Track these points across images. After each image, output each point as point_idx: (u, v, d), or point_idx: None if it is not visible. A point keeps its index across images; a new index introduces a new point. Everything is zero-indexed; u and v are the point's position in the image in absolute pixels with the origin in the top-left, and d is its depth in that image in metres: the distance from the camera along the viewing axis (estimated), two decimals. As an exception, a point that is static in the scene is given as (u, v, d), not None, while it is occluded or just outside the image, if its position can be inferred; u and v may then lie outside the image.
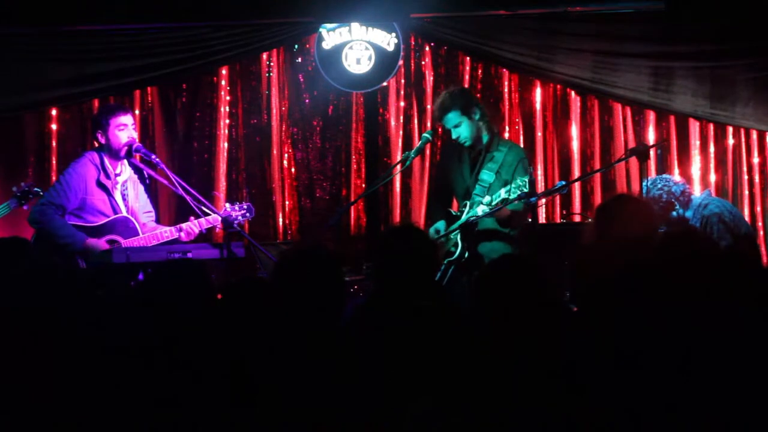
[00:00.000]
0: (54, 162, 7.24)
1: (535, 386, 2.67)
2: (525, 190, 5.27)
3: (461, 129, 5.78)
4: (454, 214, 5.88)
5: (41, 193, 6.25)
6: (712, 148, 7.26)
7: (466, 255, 5.66)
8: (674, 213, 5.78)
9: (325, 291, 3.25)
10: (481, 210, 5.53)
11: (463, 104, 5.76)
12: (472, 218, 5.57)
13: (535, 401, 2.63)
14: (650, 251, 3.46)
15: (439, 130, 7.46)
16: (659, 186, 5.80)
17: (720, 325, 2.81)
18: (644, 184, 5.77)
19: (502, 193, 5.39)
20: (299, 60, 7.47)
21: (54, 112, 7.26)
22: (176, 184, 5.68)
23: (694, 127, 7.27)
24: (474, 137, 5.80)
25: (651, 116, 7.33)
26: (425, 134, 6.16)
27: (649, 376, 2.66)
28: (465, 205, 5.79)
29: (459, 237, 5.70)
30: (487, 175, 5.75)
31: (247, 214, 5.89)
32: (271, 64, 7.45)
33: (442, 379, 2.83)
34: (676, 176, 6.14)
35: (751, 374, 2.69)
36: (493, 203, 5.45)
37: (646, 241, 3.74)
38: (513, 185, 5.33)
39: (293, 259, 3.35)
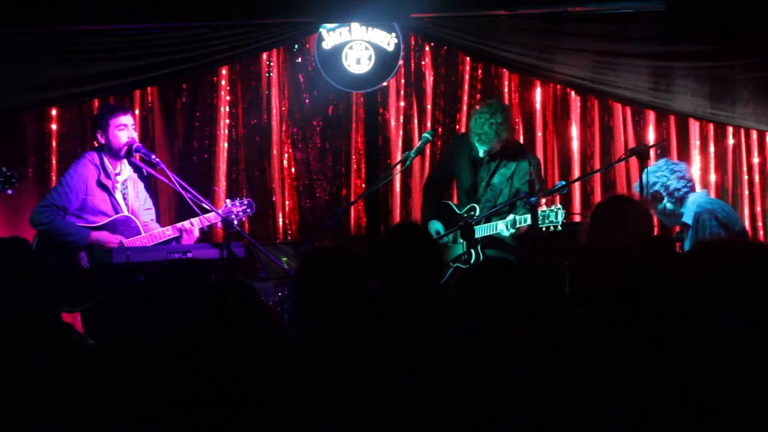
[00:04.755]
0: (54, 162, 7.23)
1: (519, 387, 2.65)
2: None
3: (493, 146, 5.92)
4: (457, 212, 5.90)
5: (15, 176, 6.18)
6: (712, 148, 7.26)
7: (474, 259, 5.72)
8: (661, 205, 5.65)
9: (350, 292, 3.18)
10: (504, 227, 5.66)
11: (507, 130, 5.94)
12: (493, 233, 5.69)
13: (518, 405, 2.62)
14: (646, 254, 3.45)
15: (440, 130, 7.47)
16: (657, 175, 5.59)
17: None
18: (652, 165, 5.66)
19: (527, 219, 5.52)
20: (299, 60, 7.47)
21: (54, 112, 7.26)
22: (176, 183, 5.68)
23: (694, 127, 7.27)
24: (496, 149, 5.93)
25: (651, 116, 7.33)
26: (425, 134, 6.17)
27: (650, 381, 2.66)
28: (473, 209, 5.84)
29: (469, 242, 5.73)
30: (498, 181, 5.80)
31: (248, 210, 5.92)
32: (271, 64, 7.45)
33: (440, 382, 2.83)
34: (684, 171, 5.80)
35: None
36: (517, 225, 5.60)
37: (641, 243, 3.72)
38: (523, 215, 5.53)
39: (319, 260, 3.28)
